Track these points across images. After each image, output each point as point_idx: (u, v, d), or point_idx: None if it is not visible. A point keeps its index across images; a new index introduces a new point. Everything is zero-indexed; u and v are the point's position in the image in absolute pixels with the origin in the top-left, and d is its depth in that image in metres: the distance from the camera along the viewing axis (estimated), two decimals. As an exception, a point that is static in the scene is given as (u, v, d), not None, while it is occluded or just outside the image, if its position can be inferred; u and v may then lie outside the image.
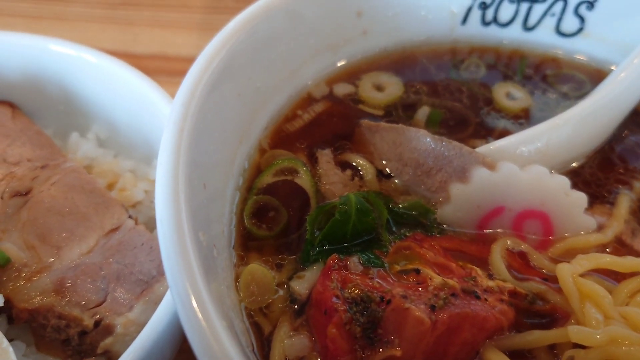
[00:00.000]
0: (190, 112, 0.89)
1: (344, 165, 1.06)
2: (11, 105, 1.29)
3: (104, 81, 1.27)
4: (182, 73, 1.99)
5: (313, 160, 1.07)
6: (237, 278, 0.90)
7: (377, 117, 1.14)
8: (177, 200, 0.79)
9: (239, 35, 1.02)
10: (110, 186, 1.21)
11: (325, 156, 1.07)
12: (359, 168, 1.05)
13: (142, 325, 0.95)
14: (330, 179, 1.03)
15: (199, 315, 0.70)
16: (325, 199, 1.00)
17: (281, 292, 0.90)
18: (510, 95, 1.19)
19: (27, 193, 1.09)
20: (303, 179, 1.01)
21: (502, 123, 1.15)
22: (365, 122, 1.10)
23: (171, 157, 0.83)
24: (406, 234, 0.95)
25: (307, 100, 1.17)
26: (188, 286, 0.72)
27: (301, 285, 0.89)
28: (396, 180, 1.03)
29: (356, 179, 1.03)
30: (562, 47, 1.27)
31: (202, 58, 0.97)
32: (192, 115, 0.89)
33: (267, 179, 1.02)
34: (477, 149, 0.99)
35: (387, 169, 1.05)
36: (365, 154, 1.07)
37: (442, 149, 1.00)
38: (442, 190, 0.99)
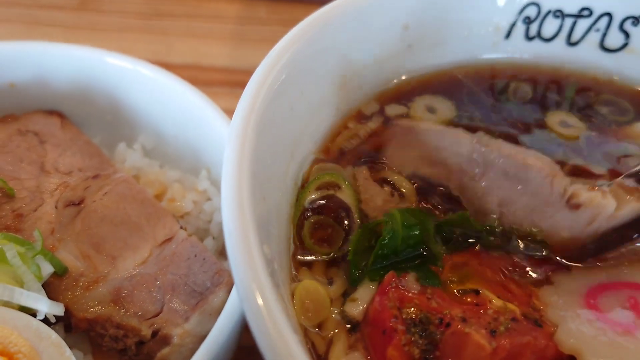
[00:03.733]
0: (250, 126, 0.90)
1: (383, 182, 1.05)
2: (60, 115, 1.30)
3: (152, 92, 1.28)
4: (216, 83, 2.02)
5: (363, 171, 1.07)
6: (292, 294, 0.91)
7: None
8: (243, 212, 0.79)
9: (294, 49, 1.02)
10: (158, 197, 1.22)
11: (361, 173, 1.07)
12: (397, 185, 1.05)
13: (197, 337, 0.96)
14: (371, 196, 1.03)
15: (272, 329, 0.70)
16: (366, 214, 1.00)
17: (335, 310, 0.89)
18: (564, 122, 1.18)
19: (80, 202, 1.10)
20: (345, 193, 1.02)
21: (561, 150, 1.13)
22: (401, 122, 1.08)
23: (235, 171, 0.83)
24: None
25: (357, 115, 1.18)
26: (258, 297, 0.72)
27: (356, 308, 0.89)
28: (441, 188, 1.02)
29: (396, 194, 1.03)
30: (605, 62, 1.27)
31: (260, 72, 0.97)
32: (252, 129, 0.89)
33: (310, 194, 1.02)
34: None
35: (426, 176, 1.04)
36: (399, 156, 1.06)
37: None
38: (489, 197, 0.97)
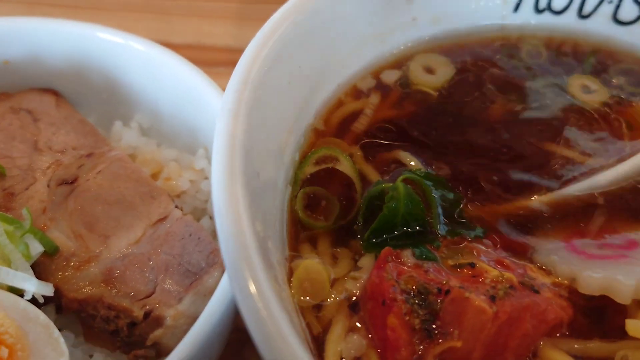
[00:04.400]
0: (243, 99, 0.86)
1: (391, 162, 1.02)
2: (55, 93, 1.27)
3: (149, 69, 1.25)
4: (219, 63, 1.98)
5: (364, 150, 1.04)
6: (290, 272, 0.88)
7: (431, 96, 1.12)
8: (234, 188, 0.76)
9: (290, 21, 0.99)
10: (154, 176, 1.19)
11: (357, 152, 1.04)
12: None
13: (191, 318, 0.94)
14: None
15: (262, 310, 0.67)
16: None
17: (335, 292, 0.86)
18: (586, 88, 1.14)
19: (73, 181, 1.08)
20: (344, 165, 0.99)
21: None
22: None
23: (227, 145, 0.80)
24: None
25: (355, 90, 1.14)
26: (248, 277, 0.69)
27: (355, 285, 0.86)
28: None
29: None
30: (619, 35, 1.22)
31: (254, 44, 0.94)
32: (246, 103, 0.86)
33: (309, 169, 0.99)
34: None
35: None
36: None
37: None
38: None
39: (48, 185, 1.06)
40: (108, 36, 1.24)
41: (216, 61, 1.83)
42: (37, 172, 1.07)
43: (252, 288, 0.69)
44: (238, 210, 0.74)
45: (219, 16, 1.94)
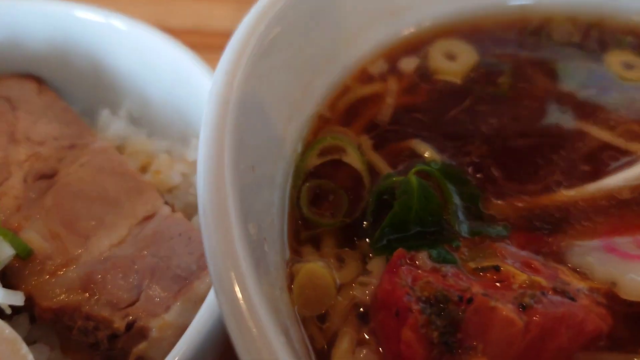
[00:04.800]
0: (235, 83, 0.77)
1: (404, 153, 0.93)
2: (37, 79, 1.19)
3: (138, 52, 1.17)
4: (218, 48, 1.87)
5: (374, 139, 0.94)
6: (290, 278, 0.78)
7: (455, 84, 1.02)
8: (223, 184, 0.67)
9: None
10: (144, 169, 1.11)
11: (367, 143, 0.95)
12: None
13: (179, 329, 0.85)
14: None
15: (250, 322, 0.58)
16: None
17: (341, 299, 0.77)
18: (627, 64, 1.04)
19: (52, 175, 1.00)
20: (351, 157, 0.90)
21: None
22: None
23: (215, 135, 0.71)
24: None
25: (364, 74, 1.04)
26: (237, 288, 0.60)
27: (367, 293, 0.78)
28: None
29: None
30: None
31: (248, 21, 0.85)
32: (238, 87, 0.77)
33: (312, 161, 0.90)
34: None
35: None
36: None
37: None
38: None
39: (25, 180, 0.98)
40: (88, 15, 1.16)
41: (216, 46, 1.74)
42: (12, 166, 0.99)
43: (241, 301, 0.59)
44: (226, 211, 0.64)
45: (218, -1, 1.87)
